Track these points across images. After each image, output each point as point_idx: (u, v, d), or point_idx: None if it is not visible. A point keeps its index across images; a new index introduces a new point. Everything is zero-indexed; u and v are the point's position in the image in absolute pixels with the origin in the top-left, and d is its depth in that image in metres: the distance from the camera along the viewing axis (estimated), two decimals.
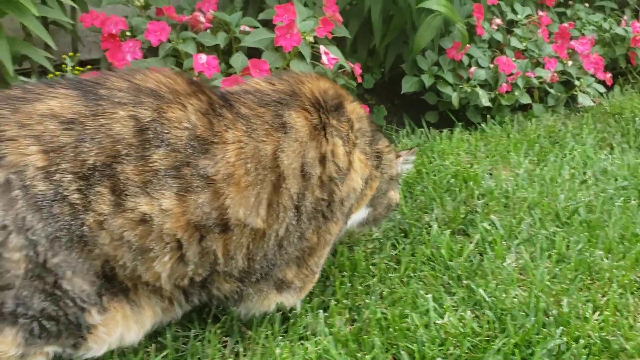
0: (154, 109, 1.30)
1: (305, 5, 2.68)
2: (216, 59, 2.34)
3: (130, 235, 1.26)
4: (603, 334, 1.60)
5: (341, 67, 2.60)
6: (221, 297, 1.50)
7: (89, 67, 2.20)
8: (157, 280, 1.34)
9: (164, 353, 1.51)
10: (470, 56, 3.09)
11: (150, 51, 2.49)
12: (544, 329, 1.62)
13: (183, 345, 1.57)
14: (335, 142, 1.54)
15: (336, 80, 2.60)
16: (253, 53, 2.56)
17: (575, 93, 3.26)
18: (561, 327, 1.61)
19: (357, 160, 1.61)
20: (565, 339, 1.58)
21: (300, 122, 1.49)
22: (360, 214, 1.77)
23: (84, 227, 1.23)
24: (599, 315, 1.68)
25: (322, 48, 2.39)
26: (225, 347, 1.58)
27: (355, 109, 1.67)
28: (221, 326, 1.62)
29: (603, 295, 1.77)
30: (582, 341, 1.57)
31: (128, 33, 2.43)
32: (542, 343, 1.56)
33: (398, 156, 1.87)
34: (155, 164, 1.27)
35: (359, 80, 2.70)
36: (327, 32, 2.43)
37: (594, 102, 3.27)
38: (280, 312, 1.65)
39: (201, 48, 2.48)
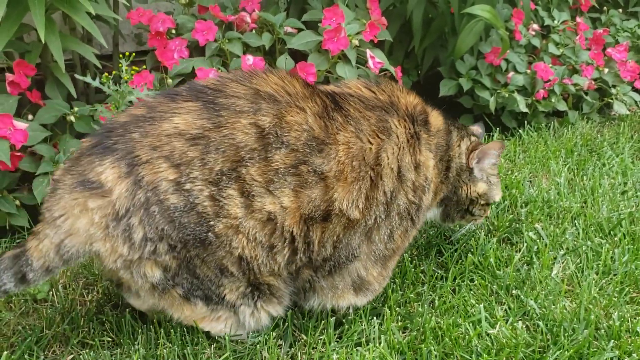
0: (274, 114, 1.41)
1: (347, 6, 2.69)
2: (263, 60, 2.36)
3: (261, 235, 1.42)
4: None
5: (383, 70, 2.61)
6: (301, 286, 1.61)
7: (144, 67, 2.21)
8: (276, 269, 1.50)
9: (225, 355, 1.54)
10: (507, 61, 3.09)
11: (196, 50, 2.50)
12: (596, 342, 1.64)
13: (241, 348, 1.60)
14: (426, 155, 1.66)
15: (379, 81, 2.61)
16: (296, 55, 2.57)
17: (610, 101, 3.25)
18: (612, 341, 1.62)
19: (433, 175, 1.71)
20: (617, 352, 1.59)
21: (400, 129, 1.61)
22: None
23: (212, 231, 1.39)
24: None
25: (368, 52, 2.40)
26: (280, 349, 1.60)
27: (435, 123, 1.75)
28: (275, 329, 1.64)
29: None
30: (635, 355, 1.58)
31: (174, 31, 2.45)
32: (595, 356, 1.57)
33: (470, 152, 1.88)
34: (276, 163, 1.40)
35: (400, 83, 2.70)
36: (373, 35, 2.44)
37: (630, 110, 3.26)
38: (335, 318, 1.67)
39: (246, 48, 2.49)
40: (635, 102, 3.28)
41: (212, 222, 1.37)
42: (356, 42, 2.42)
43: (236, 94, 1.43)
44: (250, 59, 2.32)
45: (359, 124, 1.53)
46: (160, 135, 1.35)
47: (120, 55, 1.93)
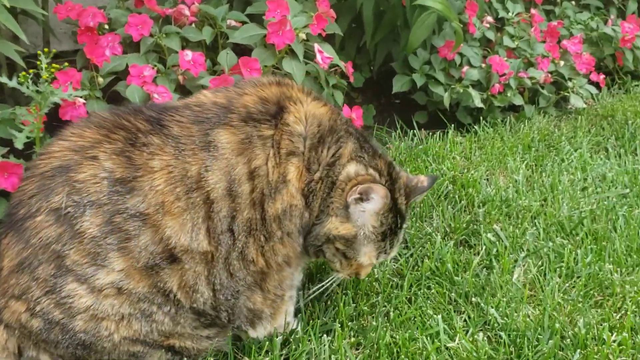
0: (63, 185, 1.31)
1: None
2: (203, 55, 2.19)
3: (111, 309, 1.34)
4: (623, 357, 1.52)
5: (333, 65, 2.47)
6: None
7: (66, 64, 2.02)
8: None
9: None
10: (461, 55, 2.99)
11: (131, 46, 2.32)
12: (561, 352, 1.53)
13: None
14: (265, 155, 1.39)
15: (328, 79, 2.47)
16: (240, 50, 2.41)
17: (566, 94, 3.19)
18: (579, 350, 1.52)
19: (294, 171, 1.41)
20: None
21: (227, 137, 1.38)
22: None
23: None
24: (616, 336, 1.59)
25: (316, 46, 2.25)
26: None
27: (300, 117, 1.44)
28: (215, 352, 1.48)
29: (617, 313, 1.69)
30: None
31: (106, 26, 2.26)
32: None
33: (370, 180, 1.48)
34: (89, 232, 1.30)
35: (351, 79, 2.57)
36: (321, 29, 2.30)
37: (586, 103, 3.20)
38: (280, 337, 1.52)
39: (185, 43, 2.32)
40: (592, 95, 3.23)
41: (71, 325, 1.33)
42: (303, 36, 2.27)
43: (26, 194, 1.35)
44: (188, 54, 2.15)
45: (179, 143, 1.35)
46: None
47: (39, 52, 1.74)
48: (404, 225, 1.56)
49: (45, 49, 1.83)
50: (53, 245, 1.30)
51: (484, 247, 1.94)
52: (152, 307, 1.36)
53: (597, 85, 3.40)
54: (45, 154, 1.38)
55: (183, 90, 2.27)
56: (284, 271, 1.46)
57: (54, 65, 1.75)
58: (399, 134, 2.82)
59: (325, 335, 1.53)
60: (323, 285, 1.58)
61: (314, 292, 1.62)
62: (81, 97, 1.99)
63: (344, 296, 1.67)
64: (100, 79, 2.12)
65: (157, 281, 1.35)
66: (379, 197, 1.44)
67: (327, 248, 1.49)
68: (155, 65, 2.18)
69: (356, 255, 1.50)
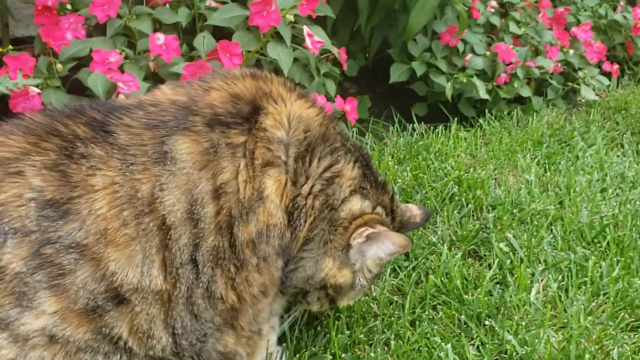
0: None
1: None
2: (177, 39, 1.93)
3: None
4: None
5: (325, 51, 2.22)
6: None
7: (9, 47, 1.76)
8: None
9: None
10: (465, 42, 2.74)
11: (97, 29, 2.05)
12: None
13: None
14: (235, 166, 1.12)
15: (319, 67, 2.22)
16: (221, 34, 2.15)
17: (576, 86, 2.95)
18: None
19: (272, 185, 1.15)
20: None
21: (187, 146, 1.10)
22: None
23: None
24: None
25: (305, 29, 2.00)
26: None
27: (292, 112, 1.19)
28: None
29: None
30: None
31: (68, 6, 1.99)
32: None
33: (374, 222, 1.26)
34: (10, 267, 1.01)
35: (345, 67, 2.32)
36: (311, 10, 2.04)
37: (598, 95, 2.97)
38: None
39: (158, 26, 2.06)
40: (604, 85, 2.99)
41: None
42: (291, 18, 2.02)
43: None
44: (160, 38, 1.89)
45: (127, 155, 1.07)
46: None
47: None
48: None
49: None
50: None
51: (496, 260, 1.70)
52: (97, 357, 1.09)
53: (608, 75, 3.17)
54: None
55: (155, 79, 2.02)
56: (259, 303, 1.19)
57: (11, 47, 1.49)
58: (396, 128, 2.57)
59: None
60: (291, 318, 1.40)
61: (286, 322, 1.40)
62: (35, 86, 1.73)
63: (336, 322, 1.42)
64: (59, 66, 1.85)
65: (102, 326, 1.07)
66: (391, 244, 1.25)
67: (313, 293, 1.25)
68: (124, 51, 1.92)
69: (343, 299, 1.29)
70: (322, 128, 1.21)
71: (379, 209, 1.27)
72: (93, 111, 1.12)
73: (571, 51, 2.96)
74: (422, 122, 2.68)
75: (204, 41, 1.94)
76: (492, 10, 2.90)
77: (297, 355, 1.33)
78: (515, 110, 2.81)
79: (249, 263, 1.13)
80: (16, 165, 1.05)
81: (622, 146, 2.55)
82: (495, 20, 2.88)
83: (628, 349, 1.39)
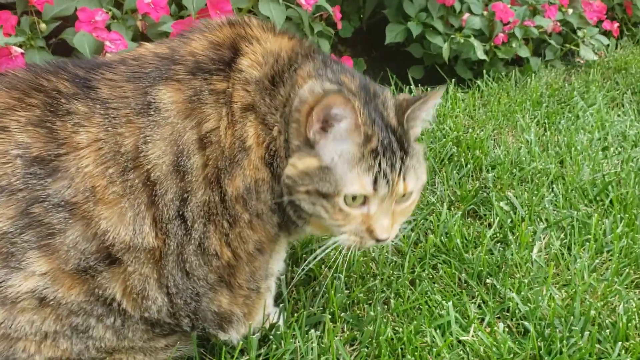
0: None
1: None
2: None
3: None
4: None
5: (318, 10, 2.15)
6: None
7: None
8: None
9: None
10: (462, 2, 2.67)
11: None
12: (598, 345, 1.27)
13: None
14: (219, 114, 1.07)
15: (312, 26, 2.15)
16: None
17: (573, 48, 2.89)
18: (620, 343, 1.26)
19: (253, 134, 1.09)
20: (629, 359, 1.23)
21: (171, 96, 1.06)
22: None
23: None
24: None
25: None
26: None
27: (267, 49, 1.12)
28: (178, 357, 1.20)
29: None
30: None
31: None
32: None
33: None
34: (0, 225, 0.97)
35: (339, 26, 2.25)
36: None
37: (597, 55, 2.91)
38: (257, 334, 1.24)
39: None
40: (603, 45, 2.93)
41: None
42: None
43: None
44: None
45: (110, 108, 1.04)
46: None
47: None
48: (405, 146, 1.11)
49: None
50: None
51: (496, 218, 1.66)
52: (90, 321, 1.06)
53: (608, 35, 3.10)
54: None
55: (144, 39, 1.94)
56: (256, 261, 1.15)
57: None
58: (393, 91, 2.51)
59: (313, 330, 1.24)
60: (317, 256, 1.20)
61: (306, 268, 1.33)
62: (18, 45, 1.66)
63: (334, 281, 1.38)
64: (43, 25, 1.78)
65: (95, 287, 1.04)
66: (341, 110, 1.05)
67: (299, 199, 1.08)
68: (110, 10, 1.85)
69: (338, 186, 1.06)
70: (290, 52, 1.14)
71: (329, 85, 1.10)
72: (75, 68, 1.08)
73: (570, 10, 2.89)
74: (419, 85, 2.62)
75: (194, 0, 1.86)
76: None
77: (295, 315, 1.30)
78: (513, 71, 2.75)
79: (241, 219, 1.08)
80: (2, 120, 1.00)
81: (623, 105, 2.50)
82: None
83: (634, 304, 1.36)
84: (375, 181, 1.07)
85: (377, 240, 1.11)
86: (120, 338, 1.10)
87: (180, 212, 1.06)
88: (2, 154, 0.99)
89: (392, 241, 1.24)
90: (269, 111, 1.09)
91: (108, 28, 1.80)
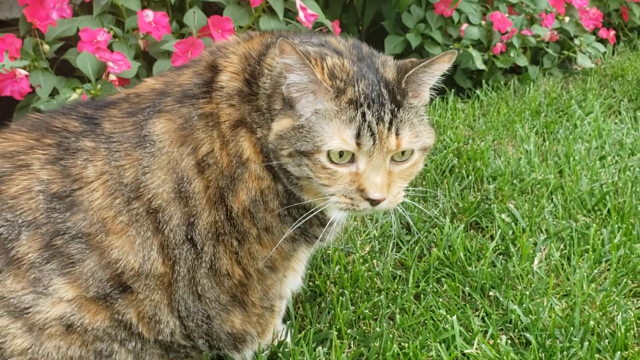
0: None
1: None
2: (166, 16, 1.89)
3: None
4: None
5: (318, 25, 2.18)
6: None
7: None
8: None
9: None
10: (460, 12, 2.70)
11: (83, 8, 2.01)
12: (598, 355, 1.29)
13: None
14: (212, 137, 1.09)
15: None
16: (212, 10, 2.11)
17: (571, 55, 2.92)
18: (619, 352, 1.28)
19: (248, 146, 1.09)
20: None
21: (161, 126, 1.09)
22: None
23: None
24: None
25: (298, 2, 1.95)
26: None
27: (241, 56, 1.12)
28: None
29: None
30: None
31: None
32: None
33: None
34: (27, 257, 1.03)
35: None
36: None
37: (595, 63, 2.94)
38: (266, 351, 1.27)
39: (146, 3, 2.01)
40: (600, 53, 2.96)
41: None
42: None
43: None
44: (149, 15, 1.85)
45: (112, 142, 1.09)
46: None
47: None
48: (398, 99, 1.04)
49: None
50: None
51: (498, 230, 1.68)
52: (113, 346, 1.09)
53: (604, 42, 3.14)
54: None
55: (146, 58, 1.98)
56: (267, 279, 1.17)
57: None
58: None
59: (320, 347, 1.27)
60: (311, 213, 1.10)
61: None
62: (22, 68, 1.69)
63: (340, 298, 1.41)
64: (46, 46, 1.81)
65: (115, 313, 1.08)
66: (292, 59, 1.01)
67: (285, 163, 1.05)
68: (112, 29, 1.88)
69: (317, 143, 1.02)
70: (261, 47, 1.13)
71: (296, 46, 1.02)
72: (86, 107, 1.14)
73: (567, 18, 2.92)
74: None
75: (194, 17, 1.89)
76: None
77: (302, 332, 1.32)
78: (512, 80, 2.78)
79: (250, 235, 1.11)
80: (24, 159, 1.07)
81: (620, 113, 2.53)
82: None
83: (632, 314, 1.39)
84: (358, 134, 1.01)
85: (371, 202, 1.04)
86: None
87: (189, 236, 1.09)
88: (27, 189, 1.05)
89: (395, 209, 1.13)
90: (253, 118, 1.09)
91: (110, 48, 1.83)
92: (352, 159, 1.04)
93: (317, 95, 1.04)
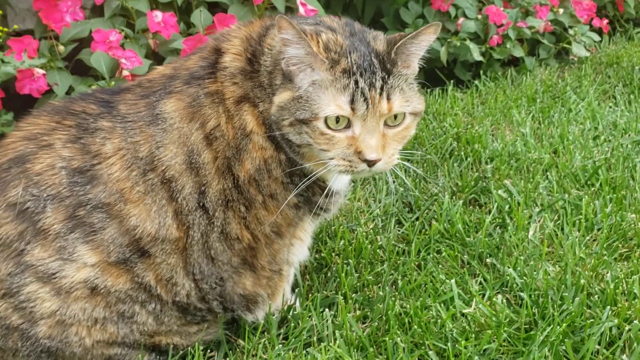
0: (20, 177, 1.16)
1: None
2: (174, 16, 2.00)
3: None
4: None
5: None
6: None
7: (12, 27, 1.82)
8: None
9: None
10: (456, 7, 2.79)
11: (95, 12, 2.12)
12: (589, 310, 1.37)
13: None
14: (218, 112, 1.20)
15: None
16: (216, 10, 2.22)
17: (566, 46, 3.01)
18: (609, 307, 1.36)
19: (251, 119, 1.20)
20: (616, 321, 1.33)
21: (171, 105, 1.21)
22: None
23: None
24: None
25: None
26: None
27: (242, 38, 1.23)
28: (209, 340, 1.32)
29: None
30: (636, 322, 1.31)
31: None
32: (592, 328, 1.30)
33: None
34: (53, 228, 1.14)
35: None
36: None
37: (589, 51, 3.02)
38: (277, 315, 1.36)
39: (155, 6, 2.12)
40: (595, 42, 3.04)
41: (33, 331, 1.16)
42: None
43: None
44: (158, 15, 1.96)
45: (127, 122, 1.20)
46: None
47: None
48: (388, 67, 1.14)
49: (4, 28, 1.63)
50: (15, 244, 1.15)
51: (495, 205, 1.77)
52: (135, 307, 1.20)
53: (599, 32, 3.22)
54: (0, 147, 1.23)
55: (156, 57, 2.08)
56: (274, 244, 1.27)
57: (3, 28, 1.56)
58: None
59: (327, 310, 1.36)
60: (309, 179, 1.20)
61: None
62: (39, 66, 1.80)
63: (345, 266, 1.50)
64: (61, 47, 1.92)
65: (135, 276, 1.18)
66: (290, 34, 1.11)
67: (287, 133, 1.15)
68: (123, 30, 1.99)
69: (314, 110, 1.12)
70: (260, 29, 1.24)
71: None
72: (102, 94, 1.27)
73: (561, 10, 3.01)
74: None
75: (201, 16, 2.00)
76: None
77: (310, 297, 1.41)
78: (509, 70, 2.87)
79: (256, 201, 1.21)
80: (47, 138, 1.19)
81: (615, 98, 2.60)
82: None
83: (621, 272, 1.46)
84: (352, 100, 1.10)
85: (368, 163, 1.13)
86: (158, 323, 1.23)
87: (201, 204, 1.19)
88: (50, 166, 1.16)
89: (391, 171, 1.23)
90: (255, 93, 1.19)
91: (122, 47, 1.94)
92: (348, 124, 1.14)
93: (314, 68, 1.13)
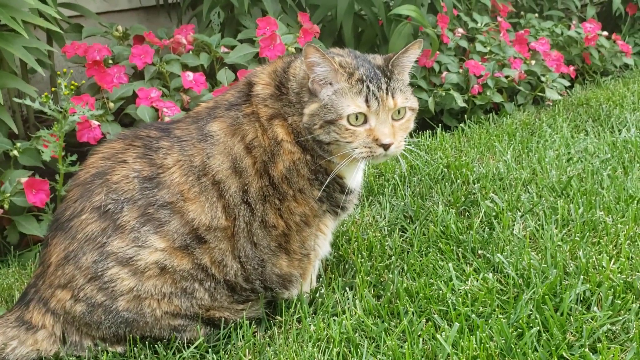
0: (102, 186, 1.50)
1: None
2: (203, 75, 2.38)
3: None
4: (623, 276, 1.64)
5: None
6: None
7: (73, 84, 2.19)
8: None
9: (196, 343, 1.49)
10: (440, 63, 3.20)
11: (135, 77, 2.51)
12: (566, 280, 1.65)
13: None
14: (254, 129, 1.54)
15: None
16: (235, 71, 2.61)
17: (540, 94, 3.40)
18: (582, 276, 1.65)
19: (281, 130, 1.54)
20: (588, 285, 1.61)
21: (219, 125, 1.55)
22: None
23: None
24: (614, 263, 1.72)
25: None
26: (255, 334, 1.56)
27: (269, 73, 1.61)
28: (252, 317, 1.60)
29: (614, 247, 1.82)
30: (605, 285, 1.60)
31: (110, 61, 2.45)
32: (568, 291, 1.58)
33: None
34: (129, 224, 1.47)
35: None
36: (308, 41, 2.50)
37: (560, 94, 3.41)
38: (307, 295, 1.64)
39: (185, 69, 2.52)
40: (565, 87, 3.44)
41: (114, 306, 1.47)
42: (292, 50, 2.48)
43: (71, 199, 1.53)
44: (190, 75, 2.34)
45: (182, 141, 1.55)
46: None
47: (58, 73, 1.92)
48: (388, 74, 1.51)
49: (53, 88, 2.00)
50: (99, 238, 1.46)
51: (483, 211, 2.08)
52: (194, 284, 1.50)
53: (569, 79, 3.62)
54: (83, 167, 1.58)
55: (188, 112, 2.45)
56: (303, 231, 1.58)
57: (73, 83, 1.92)
58: None
59: (347, 290, 1.65)
60: (336, 169, 1.54)
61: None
62: (95, 117, 2.16)
63: (360, 258, 1.79)
64: (112, 104, 2.30)
65: (195, 258, 1.49)
66: (316, 57, 1.47)
67: (317, 134, 1.49)
68: (161, 89, 2.37)
69: (339, 111, 1.47)
70: (284, 64, 1.61)
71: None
72: (159, 124, 1.64)
73: (533, 62, 3.42)
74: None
75: (225, 74, 2.39)
76: (460, 35, 3.38)
77: (332, 284, 1.70)
78: (491, 115, 3.24)
79: (288, 194, 1.54)
80: (121, 157, 1.54)
81: (586, 130, 2.96)
82: (464, 44, 3.36)
83: (592, 251, 1.76)
84: (367, 100, 1.47)
85: (384, 147, 1.48)
86: (212, 299, 1.52)
87: (245, 199, 1.51)
88: (125, 177, 1.50)
89: (401, 156, 1.63)
90: (285, 110, 1.55)
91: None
92: (365, 120, 1.50)
93: (332, 83, 1.50)
